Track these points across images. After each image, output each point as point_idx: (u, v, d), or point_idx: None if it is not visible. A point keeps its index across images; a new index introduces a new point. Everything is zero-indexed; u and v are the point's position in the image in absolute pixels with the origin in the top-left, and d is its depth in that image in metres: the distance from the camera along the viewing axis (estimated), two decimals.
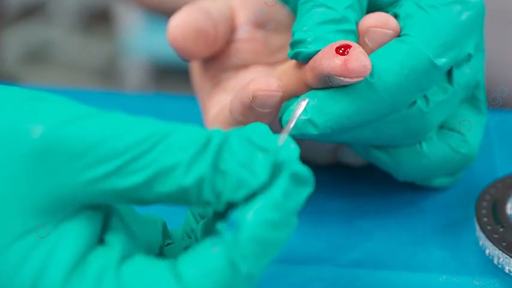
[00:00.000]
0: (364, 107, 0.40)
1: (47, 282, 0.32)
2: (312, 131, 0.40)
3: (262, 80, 0.41)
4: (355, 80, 0.39)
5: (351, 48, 0.39)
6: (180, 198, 0.33)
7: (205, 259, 0.32)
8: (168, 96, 0.59)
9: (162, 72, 1.68)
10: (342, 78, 0.39)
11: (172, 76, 1.63)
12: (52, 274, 0.32)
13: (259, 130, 0.34)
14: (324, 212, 0.47)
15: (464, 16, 0.41)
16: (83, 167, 0.32)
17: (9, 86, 0.34)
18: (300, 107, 0.40)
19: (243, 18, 0.47)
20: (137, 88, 1.68)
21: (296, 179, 0.33)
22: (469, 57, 0.42)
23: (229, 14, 0.46)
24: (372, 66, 0.40)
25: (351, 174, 0.49)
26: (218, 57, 0.47)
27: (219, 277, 0.32)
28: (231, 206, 0.33)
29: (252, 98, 0.41)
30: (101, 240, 0.34)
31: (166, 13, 0.56)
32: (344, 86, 0.40)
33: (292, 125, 0.39)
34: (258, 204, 0.32)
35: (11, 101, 0.33)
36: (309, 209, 0.46)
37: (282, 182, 0.32)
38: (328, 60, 0.39)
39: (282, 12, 0.47)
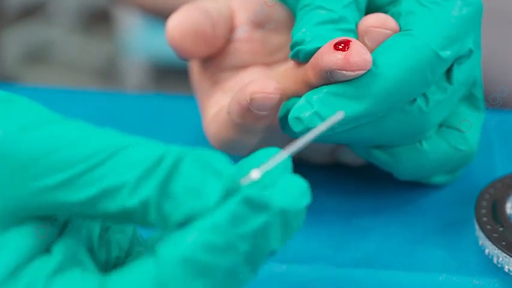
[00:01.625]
0: (369, 100, 0.40)
1: None
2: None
3: (260, 82, 0.41)
4: (356, 73, 0.39)
5: (351, 43, 0.39)
6: (125, 218, 0.31)
7: (134, 277, 0.31)
8: (168, 96, 0.58)
9: (162, 72, 1.68)
10: (344, 72, 0.39)
11: (172, 76, 1.63)
12: None
13: (217, 154, 0.32)
14: (323, 211, 0.47)
15: (465, 11, 0.42)
16: (33, 175, 0.31)
17: None
18: (330, 121, 0.36)
19: (242, 18, 0.47)
20: (137, 88, 1.68)
21: (250, 204, 0.31)
22: (470, 52, 0.42)
23: (228, 13, 0.46)
24: (376, 58, 0.40)
25: (350, 174, 0.49)
26: (217, 57, 0.47)
27: None
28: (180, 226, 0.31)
29: (250, 100, 0.41)
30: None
31: (164, 15, 0.56)
32: (347, 81, 0.40)
33: (314, 134, 0.34)
34: (198, 225, 0.30)
35: None
36: (308, 209, 0.46)
37: (229, 206, 0.30)
38: (329, 55, 0.39)
39: (281, 12, 0.47)
